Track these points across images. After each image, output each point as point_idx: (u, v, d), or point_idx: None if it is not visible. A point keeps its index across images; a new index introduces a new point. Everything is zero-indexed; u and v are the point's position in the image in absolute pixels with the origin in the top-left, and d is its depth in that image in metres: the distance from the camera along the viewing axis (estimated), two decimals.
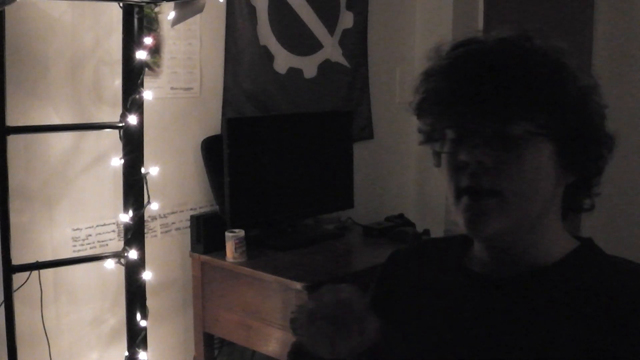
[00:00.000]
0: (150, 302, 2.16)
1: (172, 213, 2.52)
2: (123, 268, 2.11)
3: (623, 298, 0.85)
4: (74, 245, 2.25)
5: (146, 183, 2.09)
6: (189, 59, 2.50)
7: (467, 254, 1.01)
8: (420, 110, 0.94)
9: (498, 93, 0.85)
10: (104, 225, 2.32)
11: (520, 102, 0.84)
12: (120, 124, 2.04)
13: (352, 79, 3.14)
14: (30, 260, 1.99)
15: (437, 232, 2.98)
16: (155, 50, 2.38)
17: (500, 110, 0.85)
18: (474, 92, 0.86)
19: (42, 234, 2.17)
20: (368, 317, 0.87)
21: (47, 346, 2.11)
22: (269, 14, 2.73)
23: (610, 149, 0.93)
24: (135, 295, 2.11)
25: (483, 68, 0.86)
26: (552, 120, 0.86)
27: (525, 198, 0.88)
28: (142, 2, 1.99)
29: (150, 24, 2.32)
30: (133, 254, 2.08)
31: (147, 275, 2.13)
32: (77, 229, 2.25)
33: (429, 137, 0.95)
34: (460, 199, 0.89)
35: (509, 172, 0.86)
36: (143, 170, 2.08)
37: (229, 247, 2.36)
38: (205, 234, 2.45)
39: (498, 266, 0.94)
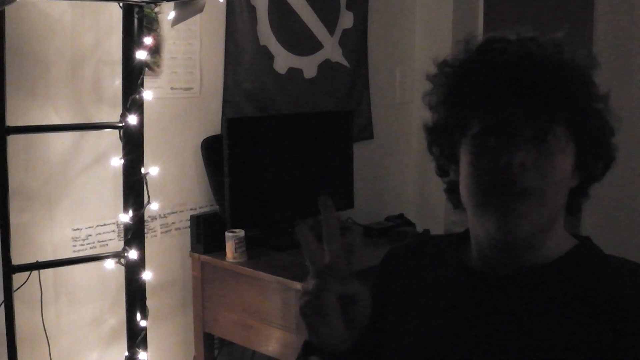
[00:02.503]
0: (150, 302, 2.16)
1: (172, 213, 2.52)
2: (123, 268, 2.11)
3: (621, 297, 0.85)
4: (74, 245, 2.25)
5: (146, 183, 2.09)
6: (189, 59, 2.51)
7: (465, 252, 1.01)
8: (449, 101, 0.93)
9: (539, 95, 0.86)
10: (104, 225, 2.32)
11: (557, 104, 0.86)
12: (120, 124, 2.04)
13: (352, 79, 3.14)
14: (30, 260, 2.00)
15: (437, 232, 2.98)
16: (155, 50, 2.38)
17: (541, 111, 0.86)
18: (517, 93, 0.86)
19: (42, 234, 2.17)
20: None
21: (47, 346, 2.11)
22: (269, 14, 2.73)
23: (615, 155, 0.95)
24: (135, 295, 2.11)
25: (525, 69, 0.87)
26: (578, 122, 0.88)
27: (557, 198, 0.89)
28: (142, 2, 1.99)
29: (150, 24, 2.32)
30: (133, 254, 2.08)
31: (147, 275, 2.13)
32: (77, 229, 2.25)
33: (443, 130, 0.95)
34: (490, 200, 0.88)
35: (548, 173, 0.87)
36: (143, 170, 2.08)
37: (229, 247, 2.36)
38: (205, 234, 2.45)
39: (497, 264, 0.94)
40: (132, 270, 2.09)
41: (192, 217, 2.50)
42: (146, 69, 2.18)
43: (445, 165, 1.00)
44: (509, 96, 0.87)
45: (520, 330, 0.88)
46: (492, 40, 0.92)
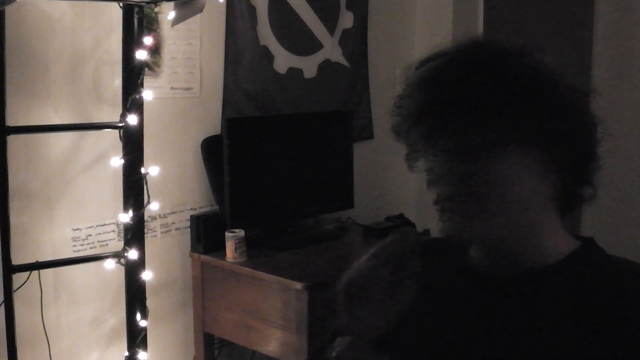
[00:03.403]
0: (150, 302, 2.16)
1: (172, 213, 2.52)
2: (123, 268, 2.11)
3: (624, 299, 0.85)
4: (74, 245, 2.25)
5: (146, 183, 2.09)
6: (189, 59, 2.51)
7: (467, 254, 1.01)
8: (397, 134, 1.03)
9: (459, 105, 0.87)
10: (104, 225, 2.32)
11: (482, 112, 0.86)
12: (120, 124, 2.04)
13: (352, 79, 3.14)
14: (30, 260, 2.00)
15: (437, 232, 2.98)
16: (155, 50, 2.38)
17: (462, 122, 0.87)
18: (436, 109, 0.89)
19: (42, 234, 2.17)
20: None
21: (47, 346, 2.11)
22: (269, 14, 2.73)
23: (596, 133, 0.92)
24: (135, 295, 2.11)
25: (444, 84, 0.89)
26: (537, 126, 0.87)
27: (501, 202, 0.89)
28: (142, 2, 1.99)
29: (150, 24, 2.33)
30: (133, 254, 2.08)
31: (147, 275, 2.13)
32: (77, 229, 2.25)
33: (410, 157, 1.03)
34: (444, 206, 0.95)
35: (477, 179, 0.88)
36: (143, 170, 2.08)
37: (229, 247, 2.36)
38: (205, 234, 2.45)
39: (498, 267, 0.94)
40: (132, 270, 2.09)
41: (192, 217, 2.50)
42: (146, 69, 2.18)
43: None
44: (429, 116, 0.91)
45: (522, 333, 0.88)
46: (421, 63, 0.96)
